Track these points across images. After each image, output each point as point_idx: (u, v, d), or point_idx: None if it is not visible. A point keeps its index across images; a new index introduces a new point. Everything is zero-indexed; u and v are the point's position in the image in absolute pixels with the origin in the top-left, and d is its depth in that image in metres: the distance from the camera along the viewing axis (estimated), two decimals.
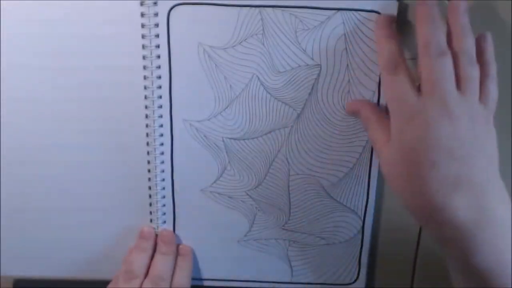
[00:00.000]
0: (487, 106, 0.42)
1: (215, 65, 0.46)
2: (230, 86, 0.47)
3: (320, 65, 0.46)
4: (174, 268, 0.50)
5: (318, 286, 0.54)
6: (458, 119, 0.39)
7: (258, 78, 0.46)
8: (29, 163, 0.50)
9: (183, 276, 0.50)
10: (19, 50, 0.46)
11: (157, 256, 0.50)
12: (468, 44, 0.41)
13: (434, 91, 0.40)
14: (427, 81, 0.40)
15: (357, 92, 0.46)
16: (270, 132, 0.48)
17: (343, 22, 0.44)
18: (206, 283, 0.54)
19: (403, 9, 0.44)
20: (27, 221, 0.52)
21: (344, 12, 0.44)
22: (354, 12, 0.44)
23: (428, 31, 0.40)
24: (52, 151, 0.49)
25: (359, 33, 0.44)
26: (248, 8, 0.44)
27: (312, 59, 0.45)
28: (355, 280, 0.53)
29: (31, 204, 0.51)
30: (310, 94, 0.46)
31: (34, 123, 0.48)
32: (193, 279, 0.52)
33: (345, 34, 0.45)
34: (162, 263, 0.49)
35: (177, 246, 0.51)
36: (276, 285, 0.54)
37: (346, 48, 0.45)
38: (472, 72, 0.41)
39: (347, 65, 0.45)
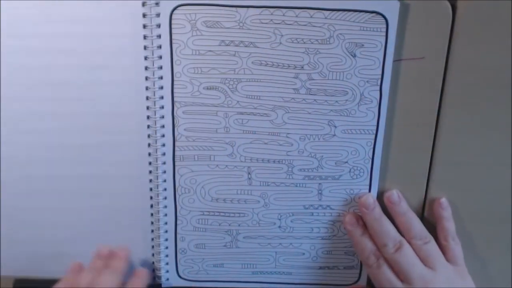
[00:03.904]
0: (457, 263, 0.48)
1: None
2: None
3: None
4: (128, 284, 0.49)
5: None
6: None
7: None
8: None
9: None
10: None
11: (105, 271, 0.48)
12: (415, 229, 0.48)
13: (410, 279, 0.46)
14: (400, 272, 0.47)
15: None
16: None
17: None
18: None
19: (404, 9, 0.44)
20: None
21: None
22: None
23: (381, 233, 0.48)
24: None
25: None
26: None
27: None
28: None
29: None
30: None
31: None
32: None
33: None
34: (110, 277, 0.48)
35: (135, 270, 0.51)
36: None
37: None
38: (428, 249, 0.47)
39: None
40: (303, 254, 0.52)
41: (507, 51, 0.45)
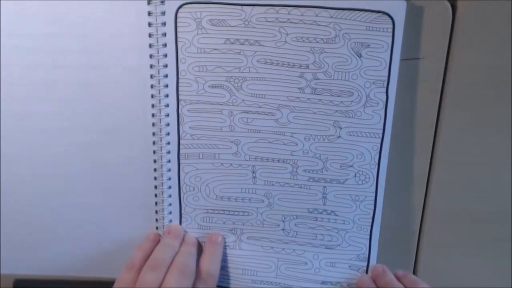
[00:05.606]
0: None
1: None
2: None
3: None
4: (204, 253, 0.50)
5: None
6: None
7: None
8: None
9: (212, 262, 0.49)
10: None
11: (182, 250, 0.49)
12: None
13: None
14: None
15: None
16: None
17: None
18: None
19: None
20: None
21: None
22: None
23: None
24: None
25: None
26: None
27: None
28: None
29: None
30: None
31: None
32: None
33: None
34: (187, 256, 0.49)
35: (209, 235, 0.51)
36: None
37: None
38: None
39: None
40: (306, 263, 0.51)
41: (507, 51, 0.45)
